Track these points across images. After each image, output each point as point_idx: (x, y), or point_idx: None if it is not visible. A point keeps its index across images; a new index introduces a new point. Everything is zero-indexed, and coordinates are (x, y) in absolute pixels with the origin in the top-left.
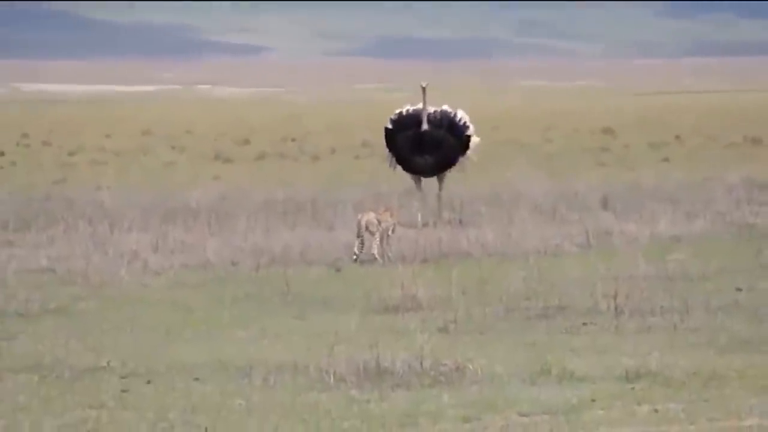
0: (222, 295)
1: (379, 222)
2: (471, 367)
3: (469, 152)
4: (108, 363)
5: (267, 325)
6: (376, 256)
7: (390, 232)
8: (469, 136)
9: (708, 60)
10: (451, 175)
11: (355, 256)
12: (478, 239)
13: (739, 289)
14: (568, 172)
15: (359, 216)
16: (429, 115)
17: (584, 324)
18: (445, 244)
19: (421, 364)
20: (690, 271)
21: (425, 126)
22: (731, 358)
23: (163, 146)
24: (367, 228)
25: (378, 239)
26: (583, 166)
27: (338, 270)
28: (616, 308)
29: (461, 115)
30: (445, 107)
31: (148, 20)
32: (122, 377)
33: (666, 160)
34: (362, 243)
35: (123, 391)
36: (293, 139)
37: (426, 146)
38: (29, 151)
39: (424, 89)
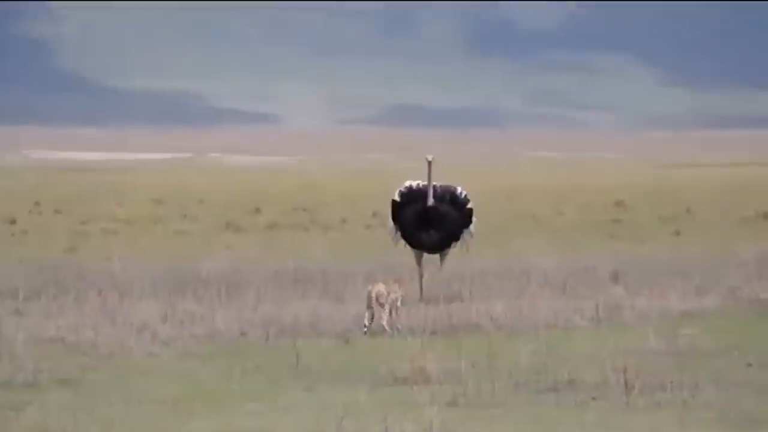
0: (231, 366)
1: (389, 293)
2: None
3: (471, 227)
4: None
5: (276, 398)
6: (386, 327)
7: (398, 303)
8: (470, 209)
9: (720, 133)
10: (454, 250)
11: (365, 328)
12: (488, 312)
13: (750, 365)
14: (580, 245)
15: (369, 287)
16: (434, 190)
17: (593, 399)
18: (455, 316)
19: None
20: (701, 347)
21: (431, 201)
22: None
23: (175, 215)
24: (377, 299)
25: (387, 310)
26: (595, 240)
27: (347, 342)
28: (626, 383)
29: (460, 189)
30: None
31: (160, 87)
32: None
33: (677, 233)
34: (372, 314)
35: None
36: (304, 209)
37: (431, 222)
38: (41, 219)
39: (429, 163)
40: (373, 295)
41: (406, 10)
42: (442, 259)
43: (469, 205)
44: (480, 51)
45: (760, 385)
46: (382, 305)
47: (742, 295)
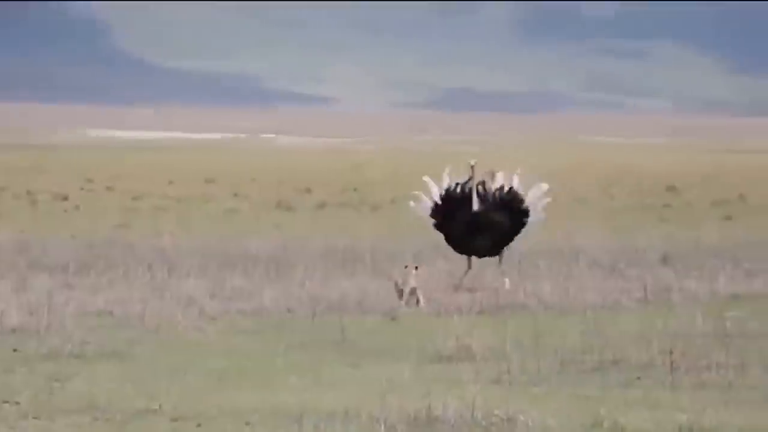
0: (277, 342)
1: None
2: (522, 418)
3: (530, 219)
4: (159, 406)
5: (320, 373)
6: (419, 302)
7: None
8: (526, 209)
9: None
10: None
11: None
12: (536, 292)
13: None
14: (630, 228)
15: (407, 267)
16: (479, 193)
17: (638, 378)
18: (502, 296)
19: (473, 414)
20: (748, 329)
21: (476, 207)
22: None
23: (226, 194)
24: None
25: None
26: (645, 223)
27: (394, 319)
28: (671, 364)
29: (516, 185)
30: (498, 177)
31: (216, 68)
32: (173, 420)
33: (729, 218)
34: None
35: None
36: (355, 189)
37: (480, 228)
38: (93, 196)
39: (473, 168)
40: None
41: None
42: (500, 259)
43: (526, 203)
44: (535, 35)
45: None
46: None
47: None
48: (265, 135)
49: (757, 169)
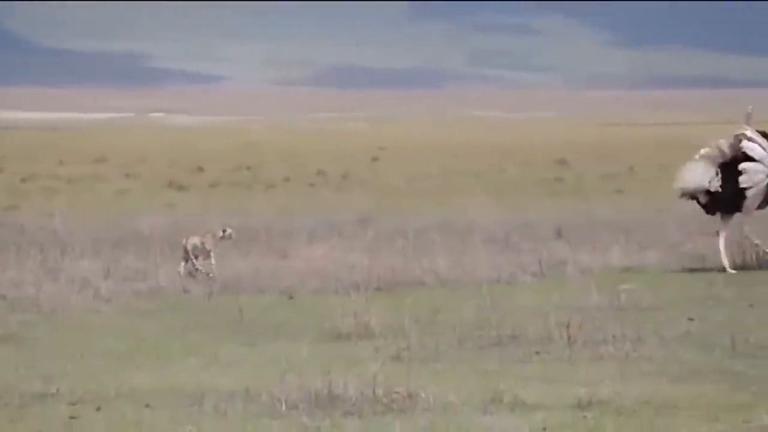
0: (173, 322)
1: (203, 244)
2: (423, 395)
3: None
4: (57, 390)
5: (219, 353)
6: (201, 271)
7: (212, 255)
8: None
9: (663, 92)
10: (403, 205)
11: (180, 275)
12: (432, 268)
13: (690, 319)
14: (522, 202)
15: (184, 240)
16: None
17: (537, 353)
18: (398, 272)
19: (374, 391)
20: (642, 302)
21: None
22: (683, 387)
23: (117, 174)
24: (192, 251)
25: (202, 260)
26: (537, 197)
27: (291, 297)
28: (569, 337)
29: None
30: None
31: (103, 48)
32: (71, 404)
33: (620, 191)
34: (192, 265)
35: (72, 417)
36: (248, 168)
37: None
38: None
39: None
40: (189, 247)
41: None
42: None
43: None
44: (420, 12)
45: (700, 339)
46: (196, 256)
47: (683, 251)
48: (154, 114)
49: (646, 142)
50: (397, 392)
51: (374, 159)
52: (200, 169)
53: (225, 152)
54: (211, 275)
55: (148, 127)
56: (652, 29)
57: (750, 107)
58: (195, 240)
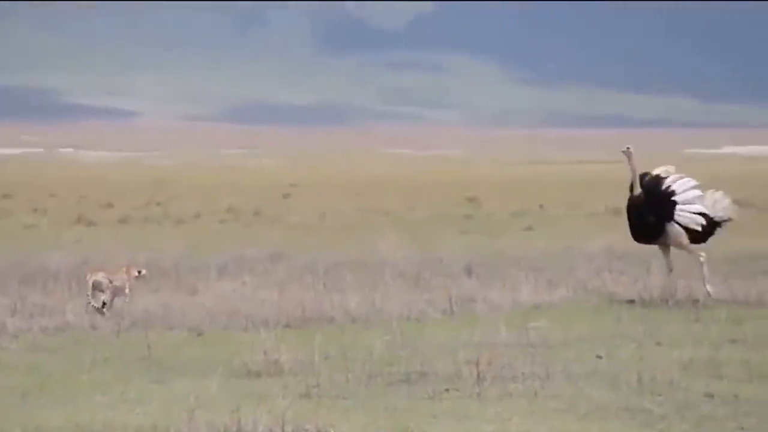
0: (81, 358)
1: (111, 281)
2: None
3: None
4: None
5: (126, 390)
6: (102, 310)
7: (126, 291)
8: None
9: (567, 131)
10: (314, 242)
11: (87, 311)
12: (342, 304)
13: (599, 357)
14: (433, 239)
15: (88, 275)
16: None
17: (446, 390)
18: (308, 309)
19: (283, 428)
20: (551, 339)
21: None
22: (590, 425)
23: (25, 209)
24: (95, 287)
25: (109, 296)
26: (448, 234)
27: (200, 334)
28: (478, 374)
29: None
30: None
31: (16, 82)
32: None
33: (529, 228)
34: (101, 301)
35: None
36: (158, 203)
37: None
38: None
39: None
40: (91, 283)
41: (257, 6)
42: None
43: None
44: (330, 49)
45: (607, 376)
46: (102, 291)
47: (592, 288)
48: (64, 149)
49: (555, 179)
50: (306, 429)
51: (285, 195)
52: (110, 205)
53: (135, 187)
54: (105, 311)
55: (59, 162)
56: (560, 69)
57: (628, 146)
58: (99, 276)
